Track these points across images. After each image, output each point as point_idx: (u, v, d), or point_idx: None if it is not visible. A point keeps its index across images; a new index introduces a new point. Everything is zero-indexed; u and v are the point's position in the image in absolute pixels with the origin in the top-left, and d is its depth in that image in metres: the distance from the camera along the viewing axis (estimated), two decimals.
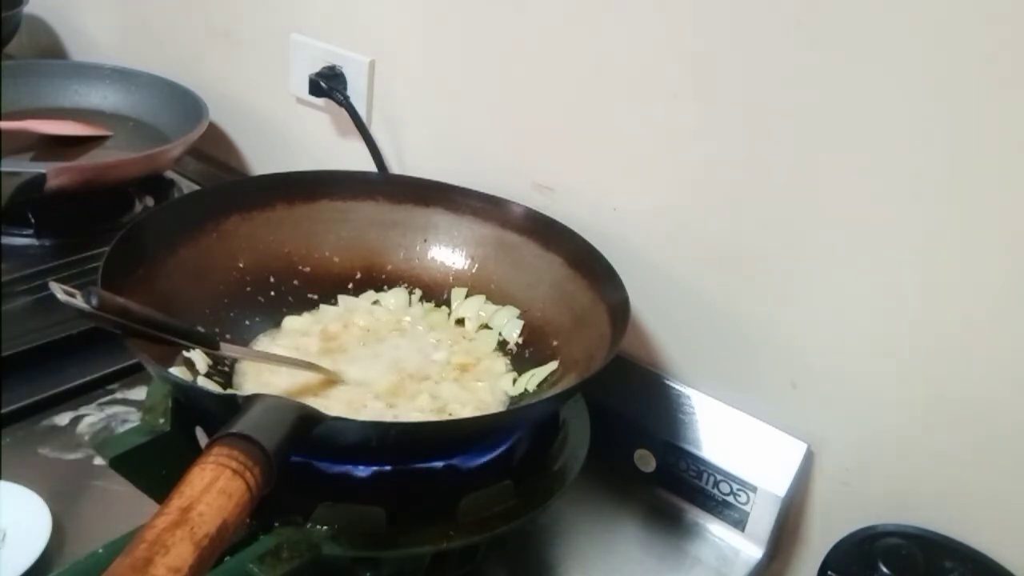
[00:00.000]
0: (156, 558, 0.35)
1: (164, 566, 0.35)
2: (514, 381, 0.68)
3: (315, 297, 0.73)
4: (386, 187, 0.78)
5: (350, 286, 0.75)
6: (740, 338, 0.70)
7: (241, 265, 0.69)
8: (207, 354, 0.62)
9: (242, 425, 0.43)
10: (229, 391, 0.61)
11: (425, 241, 0.77)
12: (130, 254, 0.61)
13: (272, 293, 0.71)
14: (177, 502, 0.38)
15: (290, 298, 0.72)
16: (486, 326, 0.73)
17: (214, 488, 0.39)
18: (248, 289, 0.70)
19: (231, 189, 0.70)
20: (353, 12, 0.89)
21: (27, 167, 0.83)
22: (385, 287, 0.76)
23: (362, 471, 0.56)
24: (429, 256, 0.77)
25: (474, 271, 0.76)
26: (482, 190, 0.76)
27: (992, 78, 0.53)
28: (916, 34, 0.55)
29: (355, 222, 0.76)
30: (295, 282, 0.73)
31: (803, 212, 0.63)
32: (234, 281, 0.69)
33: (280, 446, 0.43)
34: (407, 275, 0.77)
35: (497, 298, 0.74)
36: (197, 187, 1.01)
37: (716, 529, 0.71)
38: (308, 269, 0.73)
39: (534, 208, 0.75)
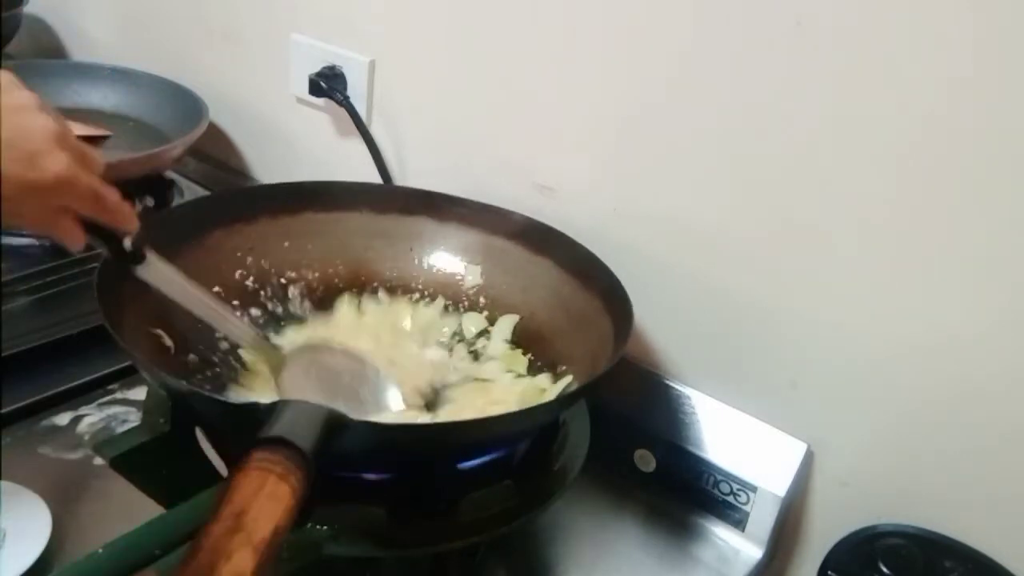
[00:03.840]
0: (219, 564, 0.35)
1: (228, 572, 0.35)
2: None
3: (301, 312, 0.72)
4: (369, 197, 0.77)
5: (337, 299, 0.74)
6: (740, 338, 0.70)
7: (227, 279, 0.69)
8: None
9: (278, 429, 0.43)
10: (251, 400, 0.60)
11: (411, 250, 0.76)
12: (119, 273, 0.60)
13: (268, 305, 0.71)
14: (229, 508, 0.38)
15: (277, 312, 0.71)
16: (485, 332, 0.73)
17: (262, 493, 0.39)
18: (233, 305, 0.69)
19: (213, 203, 0.69)
20: (353, 12, 0.89)
21: None
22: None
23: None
24: (418, 264, 0.76)
25: (467, 280, 0.75)
26: (482, 190, 0.76)
27: (999, 73, 0.53)
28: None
29: (339, 234, 0.75)
30: (278, 296, 0.72)
31: (804, 213, 0.63)
32: (221, 298, 0.68)
33: (316, 448, 0.43)
34: (396, 285, 0.76)
35: (493, 305, 0.74)
36: (197, 187, 1.01)
37: (716, 529, 0.71)
38: (294, 281, 0.72)
39: (532, 209, 0.75)
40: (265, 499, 0.39)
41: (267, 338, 0.61)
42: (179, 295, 0.55)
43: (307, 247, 0.74)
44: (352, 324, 0.72)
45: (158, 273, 0.53)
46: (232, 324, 0.59)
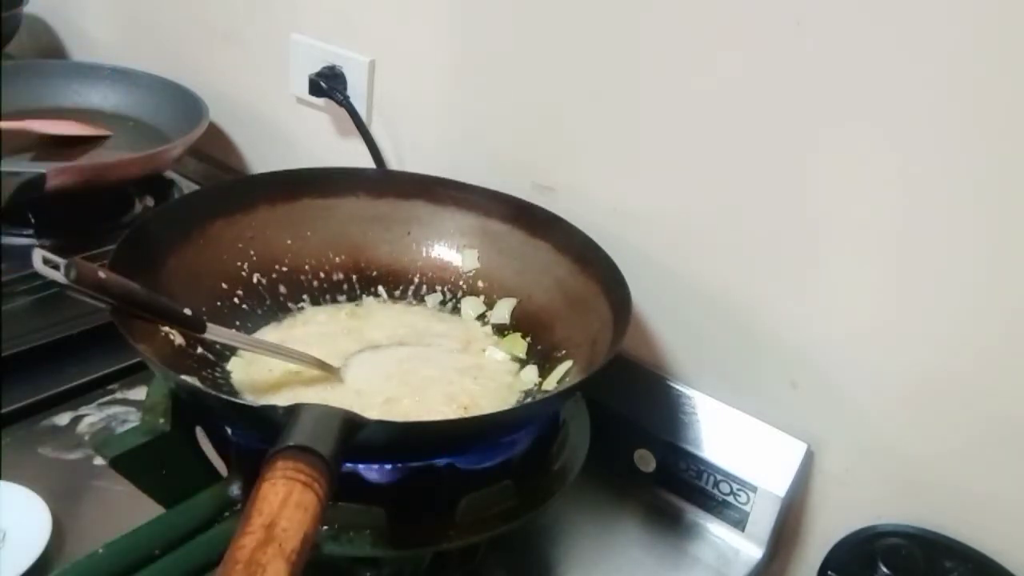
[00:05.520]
0: None
1: None
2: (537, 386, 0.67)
3: (302, 305, 0.72)
4: (365, 182, 0.77)
5: (343, 288, 0.74)
6: (740, 338, 0.70)
7: (229, 270, 0.69)
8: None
9: (299, 437, 0.42)
10: (268, 403, 0.60)
11: (408, 234, 0.76)
12: (122, 271, 0.60)
13: (269, 296, 0.71)
14: (258, 520, 0.38)
15: (283, 302, 0.71)
16: (482, 316, 0.73)
17: (290, 502, 0.39)
18: (237, 296, 0.69)
19: (213, 194, 0.69)
20: (353, 12, 0.89)
21: (27, 167, 0.82)
22: (378, 284, 0.75)
23: (362, 469, 0.56)
24: (416, 249, 0.76)
25: (465, 264, 0.76)
26: None
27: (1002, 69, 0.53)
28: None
29: (337, 219, 0.75)
30: (282, 286, 0.72)
31: (805, 213, 0.63)
32: (224, 290, 0.68)
33: (335, 453, 0.43)
34: (396, 270, 0.76)
35: (491, 288, 0.74)
36: (197, 187, 1.01)
37: (716, 529, 0.71)
38: (294, 270, 0.73)
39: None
40: (293, 508, 0.39)
41: (323, 362, 0.63)
42: (240, 343, 0.63)
43: (306, 234, 0.74)
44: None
45: (219, 332, 0.59)
46: (289, 353, 0.63)
